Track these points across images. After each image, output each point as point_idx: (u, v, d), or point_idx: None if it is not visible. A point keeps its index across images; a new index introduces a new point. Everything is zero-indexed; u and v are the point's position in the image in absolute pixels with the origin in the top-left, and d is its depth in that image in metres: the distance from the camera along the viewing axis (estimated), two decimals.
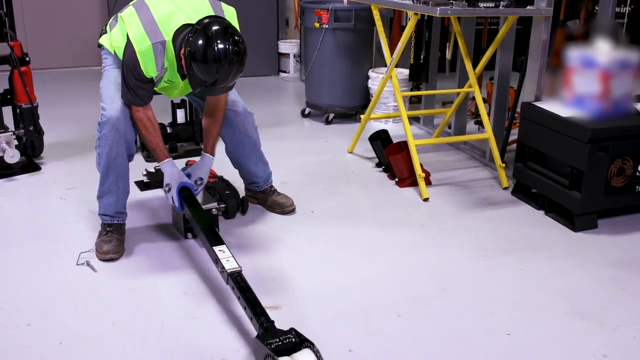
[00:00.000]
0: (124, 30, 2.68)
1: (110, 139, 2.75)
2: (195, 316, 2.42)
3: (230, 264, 2.34)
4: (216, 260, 2.41)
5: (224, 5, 2.79)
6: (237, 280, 2.27)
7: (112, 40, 2.80)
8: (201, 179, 2.96)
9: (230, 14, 2.77)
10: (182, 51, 2.53)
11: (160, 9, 2.64)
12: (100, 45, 2.94)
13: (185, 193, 2.82)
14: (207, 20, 2.51)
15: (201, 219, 2.69)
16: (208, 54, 2.43)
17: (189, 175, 2.93)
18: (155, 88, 2.79)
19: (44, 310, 2.44)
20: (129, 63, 2.64)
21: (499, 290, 2.65)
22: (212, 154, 3.01)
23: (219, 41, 2.43)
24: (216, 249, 2.44)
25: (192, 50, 2.45)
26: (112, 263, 2.80)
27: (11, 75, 3.83)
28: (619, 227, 3.25)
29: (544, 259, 2.92)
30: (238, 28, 2.67)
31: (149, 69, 2.61)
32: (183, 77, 2.75)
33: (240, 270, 2.32)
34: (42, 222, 3.19)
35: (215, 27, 2.47)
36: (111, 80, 2.82)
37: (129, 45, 2.62)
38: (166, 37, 2.58)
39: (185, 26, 2.57)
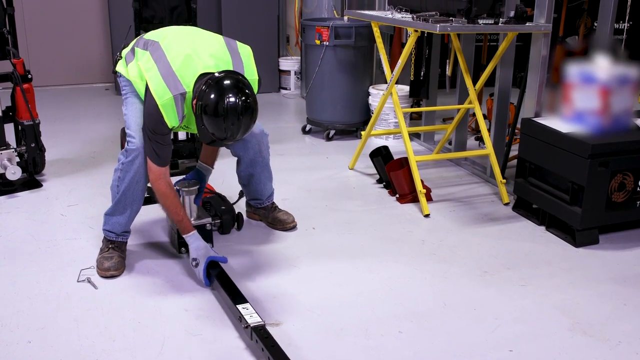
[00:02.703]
0: (142, 75, 2.68)
1: (136, 167, 2.76)
2: (196, 333, 2.42)
3: (253, 319, 2.30)
4: (240, 318, 2.35)
5: (239, 45, 2.78)
6: (261, 333, 2.23)
7: (130, 75, 2.80)
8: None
9: (247, 54, 2.76)
10: (194, 102, 2.54)
11: (177, 55, 2.62)
12: (115, 72, 2.95)
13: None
14: (219, 76, 2.51)
15: (223, 281, 2.62)
16: (219, 109, 2.44)
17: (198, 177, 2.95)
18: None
19: (44, 326, 2.44)
20: (149, 117, 2.64)
21: (500, 306, 2.64)
22: (212, 166, 3.04)
23: (230, 96, 2.44)
24: (240, 307, 2.39)
25: (204, 104, 2.47)
26: (113, 280, 2.80)
27: (13, 93, 3.85)
28: (620, 242, 3.25)
29: (545, 274, 2.92)
30: (254, 67, 2.71)
31: (171, 119, 2.60)
32: None
33: (264, 325, 2.29)
34: (43, 239, 3.19)
35: (226, 82, 2.48)
36: (136, 107, 2.81)
37: (149, 97, 2.62)
38: (186, 87, 2.58)
39: (202, 76, 2.56)
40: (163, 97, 2.56)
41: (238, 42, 2.80)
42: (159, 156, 2.70)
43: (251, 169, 3.20)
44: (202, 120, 2.50)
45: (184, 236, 2.80)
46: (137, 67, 2.75)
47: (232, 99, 2.44)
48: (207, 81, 2.50)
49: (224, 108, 2.43)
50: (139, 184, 2.82)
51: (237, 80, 2.52)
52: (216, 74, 2.52)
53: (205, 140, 2.62)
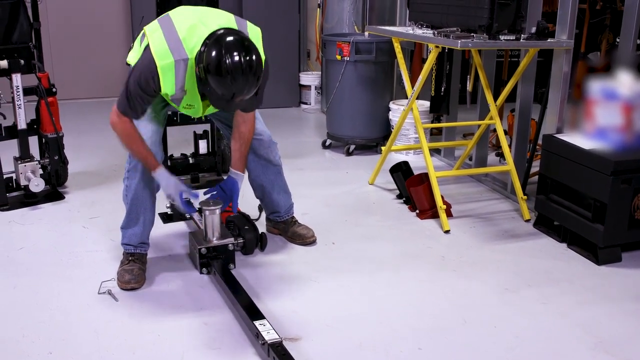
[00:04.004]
0: (145, 43, 2.65)
1: (139, 172, 2.79)
2: (215, 347, 2.42)
3: (270, 335, 2.29)
4: (257, 335, 2.34)
5: (249, 25, 2.76)
6: (279, 350, 2.22)
7: (144, 45, 2.79)
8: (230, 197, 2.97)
9: (255, 34, 2.74)
10: (197, 69, 2.51)
11: (184, 23, 2.60)
12: (128, 65, 2.93)
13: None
14: (219, 32, 2.47)
15: (241, 297, 2.61)
16: (221, 66, 2.39)
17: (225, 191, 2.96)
18: (178, 107, 2.76)
19: (65, 338, 2.46)
20: (141, 72, 2.59)
21: (521, 324, 2.62)
22: (243, 171, 2.99)
23: (231, 52, 2.39)
24: (257, 323, 2.38)
25: (206, 63, 2.42)
26: (133, 292, 2.82)
27: (38, 106, 3.90)
28: None
29: (567, 292, 2.89)
30: (262, 48, 2.65)
31: (167, 85, 2.57)
32: (203, 98, 2.69)
33: (282, 341, 2.28)
34: (65, 251, 3.22)
35: (227, 39, 2.43)
36: None
37: (146, 54, 2.58)
38: (189, 54, 2.54)
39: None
40: (164, 60, 2.53)
41: (248, 22, 2.77)
42: (132, 109, 2.66)
43: (263, 176, 3.19)
44: (207, 83, 2.45)
45: (152, 174, 2.78)
46: (139, 48, 2.74)
47: (234, 52, 2.40)
48: (205, 42, 2.47)
49: (226, 64, 2.38)
50: (146, 189, 2.84)
51: (238, 36, 2.48)
52: (217, 32, 2.47)
53: (217, 106, 2.58)
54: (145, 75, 2.57)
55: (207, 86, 2.47)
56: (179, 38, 2.56)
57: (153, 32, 2.62)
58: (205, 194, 2.99)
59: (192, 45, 2.54)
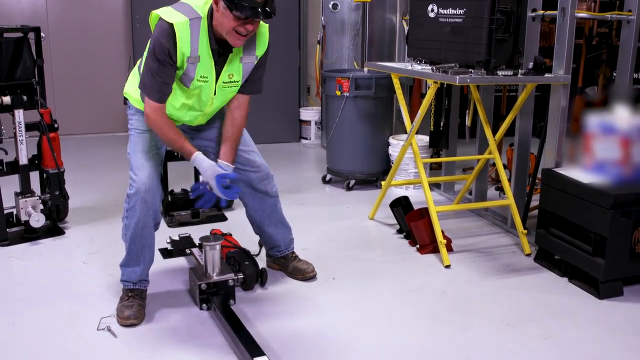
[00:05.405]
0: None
1: (138, 212, 2.78)
2: None
3: None
4: None
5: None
6: None
7: (130, 93, 2.85)
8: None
9: (263, 25, 2.83)
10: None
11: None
12: (125, 98, 2.98)
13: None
14: None
15: (241, 333, 2.60)
16: None
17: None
18: (189, 88, 2.77)
19: None
20: (154, 41, 2.64)
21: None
22: (232, 162, 2.93)
23: None
24: (257, 359, 2.36)
25: None
26: (132, 328, 2.80)
27: (40, 141, 3.93)
28: None
29: (569, 327, 2.87)
30: (267, 39, 2.83)
31: (183, 45, 2.62)
32: (217, 65, 2.76)
33: None
34: (65, 286, 3.21)
35: None
36: (138, 147, 2.86)
37: (159, 25, 2.64)
38: (201, 13, 2.66)
39: None
40: (178, 19, 2.61)
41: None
42: (155, 90, 2.68)
43: (260, 210, 3.19)
44: (225, 6, 2.55)
45: (190, 161, 2.79)
46: (137, 72, 2.81)
47: None
48: None
49: None
50: (145, 230, 2.83)
51: None
52: None
53: (245, 12, 2.57)
54: (159, 42, 2.62)
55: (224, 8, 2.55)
56: (188, 3, 2.70)
57: (159, 12, 2.68)
58: (191, 189, 2.94)
59: (201, 4, 2.67)
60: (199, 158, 2.79)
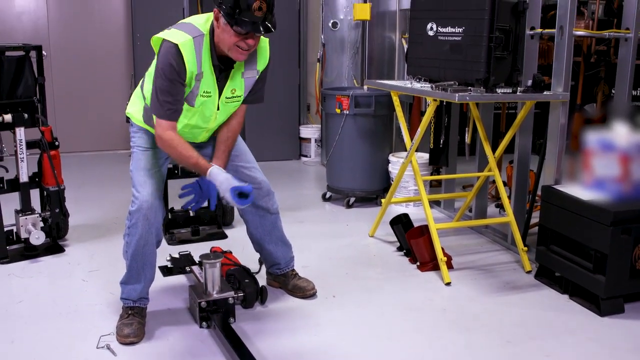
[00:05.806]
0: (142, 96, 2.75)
1: (140, 229, 2.78)
2: None
3: None
4: None
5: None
6: None
7: (146, 92, 2.86)
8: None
9: (264, 39, 2.86)
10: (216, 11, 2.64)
11: (187, 19, 2.80)
12: (128, 118, 3.00)
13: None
14: None
15: (241, 351, 2.58)
16: None
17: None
18: (194, 106, 2.80)
19: None
20: (161, 63, 2.67)
21: None
22: (224, 167, 2.90)
23: None
24: None
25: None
26: (132, 347, 2.79)
27: (40, 159, 3.93)
28: None
29: (569, 344, 2.86)
30: (268, 53, 2.87)
31: (190, 63, 2.66)
32: (218, 81, 2.79)
33: None
34: (64, 304, 3.21)
35: None
36: (141, 165, 2.87)
37: (163, 47, 2.68)
38: (203, 30, 2.70)
39: None
40: (182, 39, 2.65)
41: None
42: (167, 110, 2.70)
43: (261, 227, 3.19)
44: (226, 22, 2.59)
45: (206, 176, 2.77)
46: (140, 94, 2.85)
47: None
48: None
49: None
50: (146, 247, 2.83)
51: None
52: None
53: (245, 27, 2.61)
54: (166, 63, 2.66)
55: (233, 13, 2.57)
56: (190, 22, 2.74)
57: (162, 35, 2.73)
58: (182, 189, 2.93)
59: (202, 22, 2.73)
60: (214, 172, 2.78)
